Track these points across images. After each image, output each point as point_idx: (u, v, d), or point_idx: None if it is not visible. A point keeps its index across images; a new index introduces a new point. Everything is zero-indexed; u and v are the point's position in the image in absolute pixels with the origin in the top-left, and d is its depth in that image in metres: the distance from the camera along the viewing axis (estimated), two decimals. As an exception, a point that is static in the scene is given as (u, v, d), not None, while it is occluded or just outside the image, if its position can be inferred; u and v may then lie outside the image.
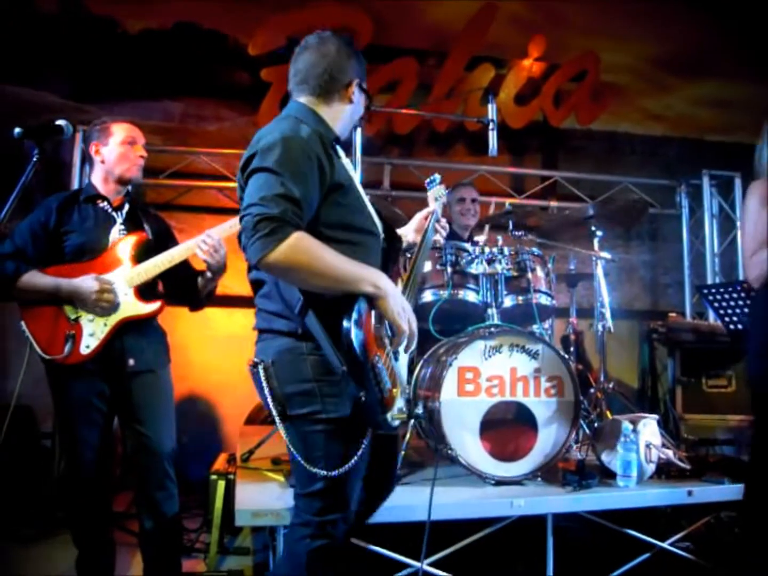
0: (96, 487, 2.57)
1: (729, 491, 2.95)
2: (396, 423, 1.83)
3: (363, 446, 1.85)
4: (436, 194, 2.52)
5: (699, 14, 6.34)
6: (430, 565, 2.64)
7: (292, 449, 1.87)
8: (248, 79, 5.43)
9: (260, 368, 1.85)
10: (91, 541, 2.62)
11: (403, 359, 2.02)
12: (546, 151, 6.19)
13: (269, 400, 1.84)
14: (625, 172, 6.14)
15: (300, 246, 1.66)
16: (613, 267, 5.74)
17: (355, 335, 1.66)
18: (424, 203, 5.37)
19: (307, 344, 1.79)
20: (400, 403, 1.87)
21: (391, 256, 2.03)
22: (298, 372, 1.81)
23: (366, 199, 2.02)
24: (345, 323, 1.66)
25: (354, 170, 2.07)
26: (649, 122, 6.49)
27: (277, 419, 1.84)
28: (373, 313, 1.78)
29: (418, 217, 2.42)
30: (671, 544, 2.97)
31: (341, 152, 2.00)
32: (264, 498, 2.60)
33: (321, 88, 1.97)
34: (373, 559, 2.58)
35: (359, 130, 3.11)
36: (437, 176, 2.58)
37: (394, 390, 1.84)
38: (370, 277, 1.76)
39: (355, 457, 1.83)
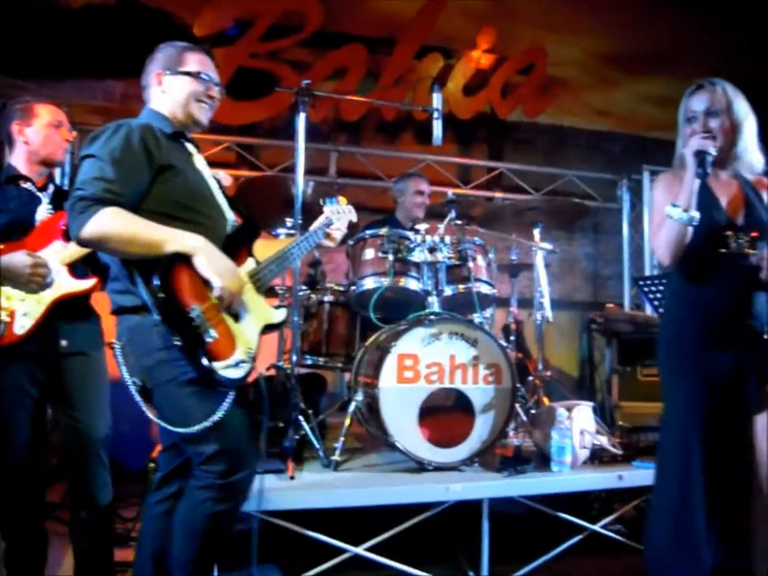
0: (28, 476, 2.49)
1: (658, 476, 3.04)
2: (229, 376, 1.93)
3: (230, 397, 1.97)
4: (338, 209, 2.70)
5: (646, 12, 6.46)
6: (368, 550, 2.66)
7: (172, 427, 1.95)
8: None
9: (117, 347, 2.00)
10: (22, 533, 2.53)
11: (253, 323, 2.13)
12: (493, 142, 6.24)
13: (127, 376, 1.98)
14: (570, 165, 6.24)
15: (108, 218, 1.85)
16: (556, 259, 5.84)
17: (162, 285, 1.86)
18: (371, 192, 5.48)
19: (152, 318, 1.89)
20: (239, 358, 1.98)
21: (238, 241, 2.17)
22: (149, 344, 1.93)
23: (214, 187, 2.21)
24: (154, 278, 1.86)
25: (204, 164, 2.25)
26: (595, 117, 6.60)
27: (138, 397, 1.98)
28: (190, 268, 1.93)
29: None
30: (603, 527, 3.04)
31: (191, 147, 2.22)
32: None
33: (149, 88, 2.21)
34: (309, 545, 2.58)
35: (303, 115, 3.08)
36: (341, 198, 2.77)
37: (226, 344, 1.96)
38: (177, 237, 1.92)
39: (225, 405, 1.94)
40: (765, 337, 2.28)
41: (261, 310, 2.19)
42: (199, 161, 2.22)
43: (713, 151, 2.22)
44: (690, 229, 2.19)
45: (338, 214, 2.66)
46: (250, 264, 2.19)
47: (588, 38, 6.45)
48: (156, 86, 2.19)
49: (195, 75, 2.19)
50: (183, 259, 1.92)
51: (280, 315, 2.27)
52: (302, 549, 2.62)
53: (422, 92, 5.65)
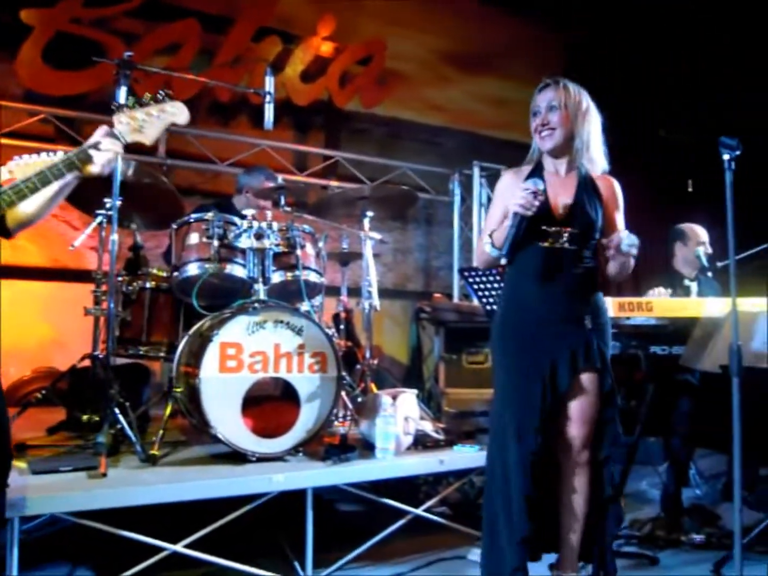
0: None
1: (477, 458, 3.16)
2: None
3: None
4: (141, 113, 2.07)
5: (482, 13, 6.73)
6: (187, 546, 2.55)
7: None
8: (7, 19, 4.83)
9: None
10: None
11: None
12: (330, 130, 6.24)
13: None
14: (405, 157, 6.38)
15: None
16: (390, 249, 5.96)
17: None
18: (203, 175, 5.28)
19: None
20: None
21: None
22: None
23: None
24: None
25: None
26: (431, 112, 6.78)
27: None
28: None
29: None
30: (426, 510, 3.11)
31: None
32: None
33: None
34: (126, 544, 2.45)
35: (124, 89, 2.89)
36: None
37: None
38: None
39: None
40: (588, 326, 2.41)
41: None
42: None
43: (531, 213, 2.29)
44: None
45: (136, 122, 2.03)
46: None
47: (426, 35, 6.62)
48: None
49: None
50: None
51: None
52: (118, 549, 2.48)
53: (259, 75, 5.45)
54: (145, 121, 2.08)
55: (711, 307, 3.47)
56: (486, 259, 2.44)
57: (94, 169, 2.00)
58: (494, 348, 2.57)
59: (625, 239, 2.31)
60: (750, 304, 3.31)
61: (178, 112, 2.16)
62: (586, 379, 2.41)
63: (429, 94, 6.75)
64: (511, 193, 2.35)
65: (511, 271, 2.50)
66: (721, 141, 2.36)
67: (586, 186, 2.47)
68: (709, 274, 4.00)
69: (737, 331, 2.35)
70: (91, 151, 1.98)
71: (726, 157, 2.35)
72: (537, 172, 2.48)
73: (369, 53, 6.23)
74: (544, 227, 2.37)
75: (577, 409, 2.41)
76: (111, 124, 2.04)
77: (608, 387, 2.43)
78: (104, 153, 1.99)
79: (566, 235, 2.37)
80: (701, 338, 3.26)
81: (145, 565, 2.47)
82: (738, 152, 2.33)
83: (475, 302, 5.08)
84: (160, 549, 2.51)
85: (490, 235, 2.38)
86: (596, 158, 2.48)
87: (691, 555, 3.18)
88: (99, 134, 2.02)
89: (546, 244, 2.37)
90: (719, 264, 3.87)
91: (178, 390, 2.96)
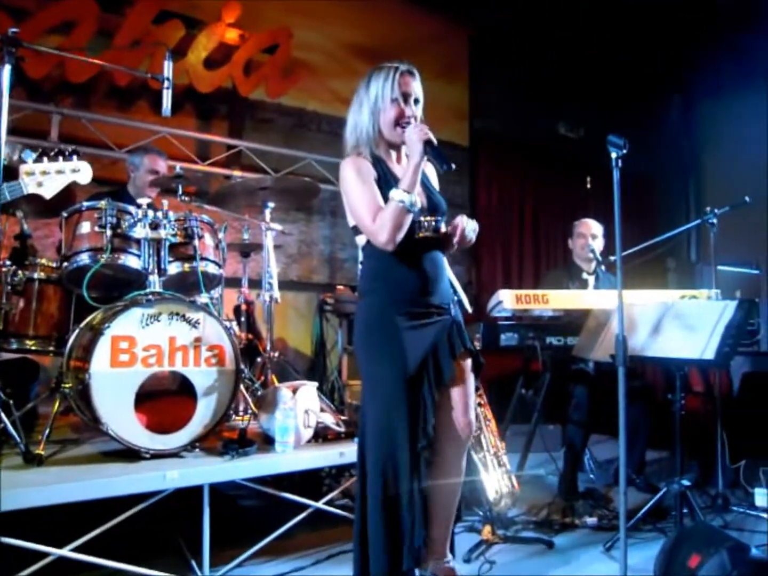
0: None
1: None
2: None
3: None
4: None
5: (391, 5, 6.75)
6: (74, 550, 2.44)
7: None
8: None
9: None
10: None
11: None
12: (234, 119, 6.09)
13: None
14: (311, 148, 6.31)
15: None
16: (295, 240, 5.91)
17: None
18: (100, 162, 5.07)
19: None
20: None
21: None
22: None
23: None
24: None
25: None
26: (337, 103, 6.71)
27: None
28: None
29: None
30: (327, 503, 3.10)
31: None
32: None
33: None
34: (8, 550, 2.30)
35: (8, 67, 2.72)
36: None
37: None
38: None
39: None
40: (452, 313, 2.45)
41: None
42: None
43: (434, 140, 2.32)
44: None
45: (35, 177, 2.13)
46: None
47: (333, 26, 6.57)
48: None
49: None
50: None
51: None
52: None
53: (160, 60, 5.24)
54: (46, 175, 2.15)
55: (602, 299, 3.63)
56: (402, 220, 2.26)
57: None
58: (366, 345, 2.45)
59: (468, 224, 2.35)
60: (636, 296, 3.48)
61: (81, 173, 2.27)
62: (465, 363, 2.45)
63: (335, 85, 6.69)
64: (368, 174, 2.38)
65: (379, 264, 2.42)
66: (608, 139, 2.44)
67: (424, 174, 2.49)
68: (602, 267, 4.18)
69: (623, 322, 2.46)
70: None
71: (614, 155, 2.44)
72: (380, 163, 2.46)
73: (275, 42, 6.11)
74: (420, 218, 2.35)
75: (462, 394, 2.44)
76: None
77: (478, 370, 2.50)
78: None
79: (434, 222, 2.37)
80: (593, 329, 3.40)
81: (28, 572, 2.35)
82: (625, 150, 2.43)
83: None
84: (45, 554, 2.39)
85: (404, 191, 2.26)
86: None
87: (585, 537, 3.32)
88: None
89: (421, 235, 2.35)
90: (611, 258, 4.04)
91: (67, 386, 2.83)
